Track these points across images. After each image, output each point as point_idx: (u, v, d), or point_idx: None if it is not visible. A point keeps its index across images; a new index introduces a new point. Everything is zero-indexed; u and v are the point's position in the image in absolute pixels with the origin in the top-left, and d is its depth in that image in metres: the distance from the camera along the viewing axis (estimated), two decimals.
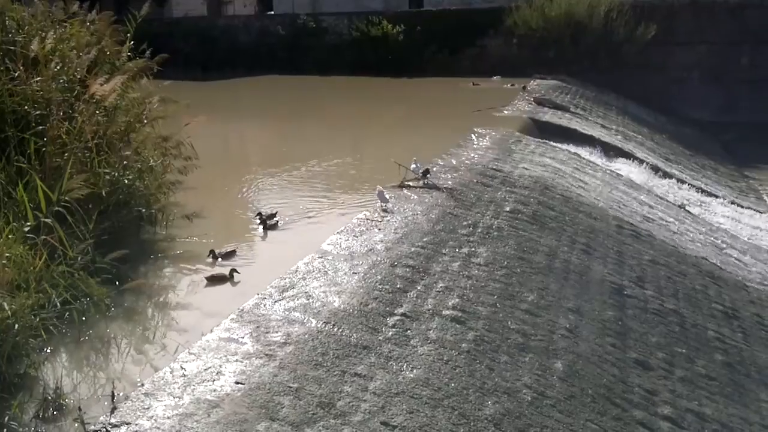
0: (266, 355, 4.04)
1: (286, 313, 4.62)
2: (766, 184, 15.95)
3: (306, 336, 4.31)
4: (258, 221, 6.91)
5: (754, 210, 13.20)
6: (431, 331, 4.74)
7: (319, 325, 4.48)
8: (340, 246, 6.02)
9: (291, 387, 3.74)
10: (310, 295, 4.93)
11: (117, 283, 4.96)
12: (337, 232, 6.38)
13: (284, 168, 9.91)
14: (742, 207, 13.13)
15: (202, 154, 7.33)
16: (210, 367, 3.89)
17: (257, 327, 4.38)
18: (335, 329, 4.47)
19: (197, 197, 7.22)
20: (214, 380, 3.77)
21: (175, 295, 5.28)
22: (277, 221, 6.98)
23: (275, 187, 8.99)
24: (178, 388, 3.70)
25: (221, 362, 3.95)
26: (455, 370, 4.33)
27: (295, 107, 17.32)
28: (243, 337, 4.24)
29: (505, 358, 4.69)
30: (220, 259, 5.90)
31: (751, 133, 19.42)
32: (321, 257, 5.72)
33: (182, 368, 3.88)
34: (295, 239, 6.59)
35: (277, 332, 4.32)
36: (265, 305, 4.71)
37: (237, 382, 3.74)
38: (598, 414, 4.45)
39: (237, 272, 5.49)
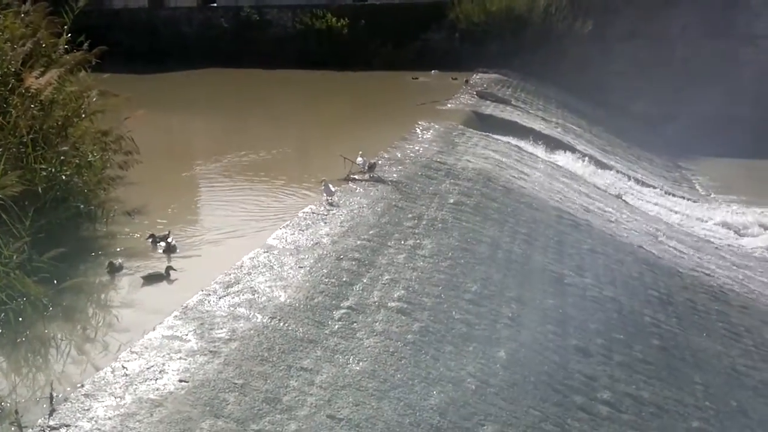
0: (210, 351, 4.00)
1: (231, 309, 4.58)
2: (699, 174, 16.58)
3: (251, 331, 4.29)
4: (150, 241, 6.13)
5: (687, 199, 13.72)
6: (377, 324, 4.77)
7: (264, 321, 4.46)
8: (286, 240, 6.00)
9: (236, 383, 3.73)
10: (255, 290, 4.90)
11: (55, 281, 4.83)
12: (283, 227, 6.35)
13: (228, 162, 9.80)
14: (675, 196, 13.62)
15: (144, 148, 7.19)
16: (153, 366, 3.84)
17: (201, 324, 4.33)
18: (281, 324, 4.46)
19: (139, 193, 7.09)
20: (156, 379, 3.72)
21: (117, 293, 5.19)
22: (171, 243, 6.07)
23: (218, 181, 8.88)
24: (120, 387, 3.64)
25: (164, 360, 3.90)
26: (401, 362, 4.38)
27: (239, 101, 17.12)
28: (186, 335, 4.19)
29: (449, 348, 4.76)
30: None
31: (684, 125, 20.13)
32: (266, 252, 5.69)
33: (124, 367, 3.81)
34: (240, 234, 6.53)
35: (221, 329, 4.28)
36: (209, 301, 4.67)
37: (180, 380, 3.70)
38: (540, 400, 4.56)
39: (173, 269, 5.41)
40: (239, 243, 6.15)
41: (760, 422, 5.62)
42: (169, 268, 5.42)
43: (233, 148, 10.62)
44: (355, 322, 4.73)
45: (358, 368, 4.16)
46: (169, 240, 6.08)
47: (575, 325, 5.89)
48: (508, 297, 5.94)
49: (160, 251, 5.86)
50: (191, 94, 18.42)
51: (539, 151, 12.70)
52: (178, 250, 5.91)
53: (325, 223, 6.52)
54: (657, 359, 5.89)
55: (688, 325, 6.90)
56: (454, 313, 5.28)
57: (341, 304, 4.91)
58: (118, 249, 6.00)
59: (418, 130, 11.52)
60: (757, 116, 21.14)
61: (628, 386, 5.23)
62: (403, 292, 5.33)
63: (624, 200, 11.74)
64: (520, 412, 4.33)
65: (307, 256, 5.63)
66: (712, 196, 14.67)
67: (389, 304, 5.08)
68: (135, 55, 23.04)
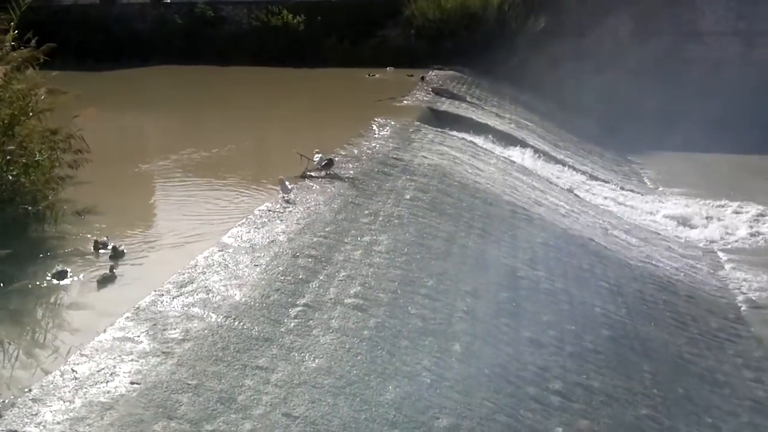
0: (163, 352, 3.97)
1: (185, 308, 4.55)
2: (647, 167, 17.00)
3: (205, 331, 4.27)
4: (94, 248, 5.91)
5: (636, 192, 14.06)
6: (333, 320, 4.79)
7: (219, 320, 4.44)
8: (241, 238, 5.98)
9: (190, 384, 3.70)
10: (209, 290, 4.87)
11: (2, 284, 4.73)
12: (238, 225, 6.32)
13: (182, 160, 9.69)
14: (625, 190, 13.95)
15: (96, 146, 7.06)
16: (103, 368, 3.79)
17: (154, 324, 4.29)
18: (236, 323, 4.44)
19: (90, 192, 6.95)
20: (107, 381, 3.67)
21: (66, 295, 5.09)
22: (118, 248, 5.86)
23: (173, 180, 8.77)
24: (69, 391, 3.59)
25: (115, 363, 3.85)
26: (357, 358, 4.41)
27: (194, 98, 16.90)
28: (138, 336, 4.15)
29: (405, 343, 4.81)
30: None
31: (632, 120, 20.65)
32: (221, 250, 5.65)
33: (73, 371, 3.75)
34: (195, 232, 6.47)
35: (175, 329, 4.25)
36: (162, 302, 4.62)
37: (132, 382, 3.67)
38: (494, 392, 4.64)
39: (115, 269, 5.33)
40: (193, 242, 6.10)
41: (705, 408, 5.82)
42: (112, 267, 5.34)
43: (188, 145, 10.50)
44: (311, 319, 4.74)
45: (314, 365, 4.18)
46: (115, 245, 5.88)
47: (528, 317, 6.01)
48: (463, 291, 6.02)
49: (108, 254, 5.76)
50: (145, 92, 18.12)
51: (493, 146, 12.87)
52: (126, 253, 5.81)
53: (281, 220, 6.51)
54: (607, 349, 6.04)
55: (637, 315, 7.10)
56: (410, 308, 5.33)
57: (297, 302, 4.92)
58: (68, 250, 5.89)
59: (375, 127, 11.55)
60: (702, 111, 21.79)
61: (579, 376, 5.35)
62: (359, 288, 5.36)
63: (575, 194, 11.99)
64: (474, 404, 4.40)
65: (262, 254, 5.62)
66: (660, 189, 15.06)
67: (345, 301, 5.11)
68: (86, 52, 22.51)
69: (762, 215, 12.28)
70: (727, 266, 10.32)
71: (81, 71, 18.32)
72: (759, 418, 6.00)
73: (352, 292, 5.26)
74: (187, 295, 4.76)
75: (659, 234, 11.32)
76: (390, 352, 4.61)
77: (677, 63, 22.54)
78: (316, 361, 4.23)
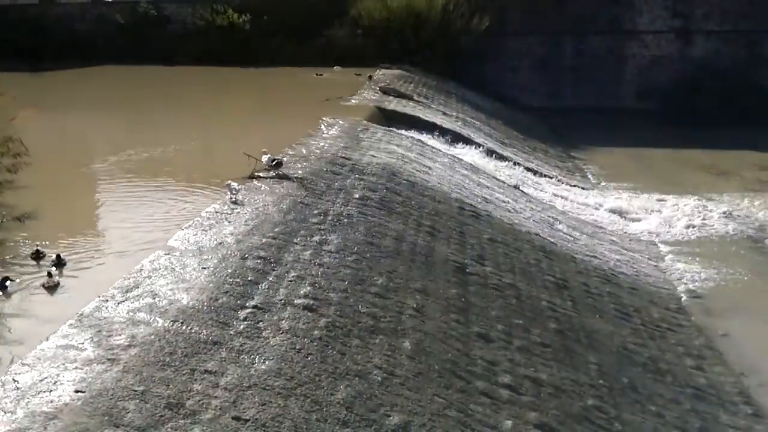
0: (108, 359, 3.89)
1: (131, 314, 4.46)
2: (590, 163, 17.42)
3: (152, 336, 4.20)
4: (35, 255, 5.74)
5: (580, 187, 14.40)
6: (283, 321, 4.77)
7: (166, 324, 4.37)
8: (188, 241, 5.89)
9: (136, 390, 3.64)
10: (156, 294, 4.79)
11: None
12: (185, 227, 6.22)
13: (126, 162, 9.49)
14: (569, 185, 14.26)
15: (36, 149, 6.83)
16: (46, 377, 3.69)
17: (98, 331, 4.20)
18: (184, 327, 4.38)
19: (30, 197, 6.73)
20: (51, 390, 3.58)
21: (7, 303, 4.94)
22: (61, 254, 5.69)
23: (117, 182, 8.58)
24: (11, 401, 3.49)
25: (59, 371, 3.76)
26: (307, 358, 4.40)
27: (137, 98, 16.57)
28: (83, 343, 4.05)
29: (356, 342, 4.82)
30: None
31: (575, 117, 21.18)
32: (168, 254, 5.56)
33: (15, 381, 3.65)
34: (141, 236, 6.34)
35: (120, 335, 4.17)
36: (107, 308, 4.53)
37: (77, 391, 3.58)
38: (444, 388, 4.70)
39: (58, 275, 5.20)
40: (139, 246, 5.97)
41: (649, 397, 6.00)
42: (54, 274, 5.21)
43: (131, 147, 10.29)
44: (261, 321, 4.70)
45: (264, 367, 4.16)
46: (58, 251, 5.72)
47: (477, 312, 6.09)
48: (413, 288, 6.06)
49: (51, 260, 5.60)
50: (86, 93, 17.66)
51: (441, 144, 12.99)
52: (69, 258, 5.66)
53: (229, 222, 6.44)
54: (554, 341, 6.17)
55: (583, 308, 7.27)
56: (360, 306, 5.35)
57: (246, 304, 4.88)
58: (8, 257, 5.71)
59: (323, 127, 11.53)
60: (641, 107, 22.52)
61: (527, 369, 5.46)
62: (309, 288, 5.35)
63: (521, 190, 12.20)
64: (425, 400, 4.45)
65: (210, 256, 5.55)
66: (603, 184, 15.44)
67: (295, 302, 5.09)
68: (26, 53, 21.89)
69: (700, 207, 12.71)
70: (668, 258, 10.66)
71: (20, 72, 17.78)
72: (701, 405, 6.22)
73: (302, 292, 5.25)
74: (132, 300, 4.67)
75: (603, 228, 11.61)
76: (341, 352, 4.61)
77: (617, 61, 23.19)
78: (266, 363, 4.21)
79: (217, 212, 6.69)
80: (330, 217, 7.03)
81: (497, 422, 4.58)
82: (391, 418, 4.12)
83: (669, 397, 6.17)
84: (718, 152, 17.55)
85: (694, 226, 11.95)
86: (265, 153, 8.31)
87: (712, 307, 8.86)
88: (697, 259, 10.55)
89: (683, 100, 21.53)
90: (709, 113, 20.43)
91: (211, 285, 5.02)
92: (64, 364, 3.83)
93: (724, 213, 12.42)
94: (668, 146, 18.33)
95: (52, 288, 5.10)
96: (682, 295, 9.22)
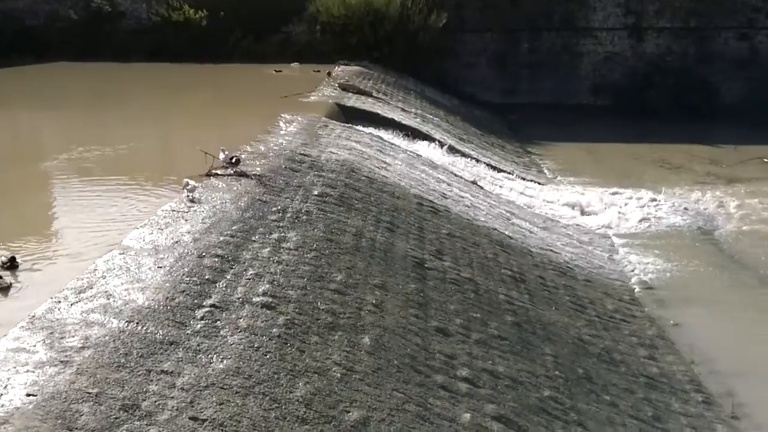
0: (61, 362, 3.82)
1: (84, 315, 4.39)
2: (546, 158, 17.72)
3: (107, 338, 4.14)
4: None
5: (537, 182, 14.63)
6: (242, 320, 4.75)
7: (121, 325, 4.31)
8: (144, 240, 5.81)
9: (90, 393, 3.59)
10: (110, 294, 4.72)
11: None
12: (141, 226, 6.13)
13: (79, 160, 9.31)
14: (526, 180, 14.48)
15: None
16: None
17: (51, 333, 4.12)
18: (139, 327, 4.33)
19: None
20: (1, 395, 3.50)
21: None
22: (12, 255, 5.49)
23: (70, 181, 8.42)
24: None
25: (9, 375, 3.67)
26: (266, 356, 4.39)
27: (92, 95, 16.24)
28: (34, 346, 3.97)
29: (315, 339, 4.83)
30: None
31: (531, 112, 21.52)
32: (122, 253, 5.47)
33: None
34: (95, 235, 6.24)
35: (73, 336, 4.10)
36: (59, 309, 4.44)
37: (28, 394, 3.51)
38: (403, 383, 4.74)
39: (8, 276, 5.08)
40: (93, 245, 5.87)
41: (603, 387, 6.14)
42: (4, 275, 5.08)
43: (85, 144, 10.09)
44: (219, 319, 4.68)
45: (221, 366, 4.14)
46: (8, 251, 5.57)
47: (436, 307, 6.15)
48: (372, 284, 6.09)
49: (0, 261, 5.47)
50: (38, 90, 17.22)
51: (400, 140, 13.06)
52: (21, 259, 5.53)
53: (186, 220, 6.37)
54: (511, 334, 6.27)
55: (539, 301, 7.40)
56: (319, 303, 5.36)
57: (204, 303, 4.84)
58: None
59: (282, 123, 11.48)
60: (596, 103, 22.98)
61: (485, 362, 5.54)
62: (268, 286, 5.33)
63: (479, 185, 12.34)
64: (384, 395, 4.48)
65: (166, 255, 5.49)
66: (558, 178, 15.71)
67: (254, 300, 5.06)
68: None
69: (652, 201, 13.04)
70: (622, 250, 10.91)
71: None
72: (653, 394, 6.40)
73: (260, 290, 5.23)
74: (86, 301, 4.59)
75: (558, 221, 11.82)
76: (300, 349, 4.62)
77: (571, 57, 23.59)
78: (224, 362, 4.19)
79: (173, 210, 6.61)
80: (289, 215, 7.01)
81: (455, 415, 4.64)
82: (351, 414, 4.14)
83: (623, 387, 6.33)
84: (670, 146, 18.03)
85: (646, 219, 12.25)
86: (223, 150, 8.24)
87: (664, 298, 9.11)
88: (650, 251, 10.82)
89: (636, 95, 22.05)
90: (661, 108, 20.97)
91: (167, 284, 4.96)
92: (15, 367, 3.75)
93: (676, 206, 12.76)
94: (622, 141, 18.77)
95: (4, 290, 4.98)
96: (635, 286, 9.45)
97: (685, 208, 12.80)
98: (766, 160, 16.76)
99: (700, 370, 7.21)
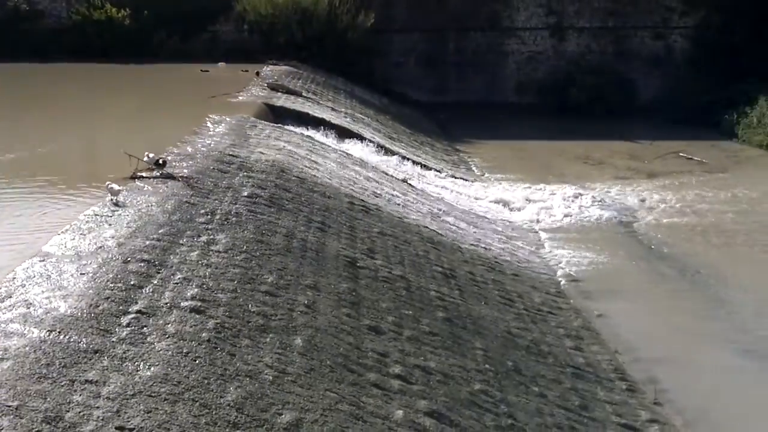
0: None
1: (2, 325, 4.22)
2: (474, 156, 18.07)
3: (27, 348, 3.99)
4: None
5: (466, 180, 14.90)
6: (169, 325, 4.66)
7: (42, 335, 4.17)
8: (66, 246, 5.63)
9: (10, 406, 3.45)
10: (30, 303, 4.56)
11: None
12: (62, 232, 5.94)
13: None
14: (455, 178, 14.73)
15: None
16: None
17: None
18: (61, 336, 4.19)
19: None
20: None
21: None
22: None
23: None
24: None
25: None
26: (195, 362, 4.32)
27: (9, 97, 15.56)
28: None
29: (246, 342, 4.79)
30: None
31: (458, 111, 21.90)
32: (43, 260, 5.29)
33: None
34: (12, 243, 6.00)
35: None
36: None
37: None
38: (336, 382, 4.75)
39: None
40: (11, 253, 5.65)
41: (532, 378, 6.30)
42: None
43: (3, 149, 9.68)
44: (146, 326, 4.58)
45: (149, 374, 4.05)
46: None
47: (368, 305, 6.19)
48: (304, 285, 6.08)
49: None
50: None
51: (330, 140, 13.06)
52: None
53: (110, 225, 6.20)
54: (442, 330, 6.37)
55: (469, 296, 7.53)
56: (250, 306, 5.31)
57: (129, 309, 4.73)
58: None
59: (210, 124, 11.30)
60: (521, 102, 23.56)
61: (417, 358, 5.61)
62: (197, 290, 5.25)
63: (410, 184, 12.47)
64: (317, 396, 4.48)
65: (90, 261, 5.33)
66: (486, 175, 16.03)
67: (182, 304, 4.98)
68: None
69: (576, 196, 13.46)
70: (548, 244, 11.23)
71: None
72: (580, 383, 6.60)
73: (189, 294, 5.14)
74: (4, 310, 4.42)
75: (487, 218, 12.07)
76: (230, 353, 4.57)
77: (496, 57, 24.08)
78: (152, 369, 4.10)
79: (96, 215, 6.42)
80: (218, 217, 6.91)
81: (389, 413, 4.68)
82: (283, 416, 4.13)
83: (551, 378, 6.50)
84: (592, 143, 18.66)
85: (570, 214, 12.65)
86: (148, 152, 8.06)
87: (589, 290, 9.42)
88: (575, 244, 11.18)
89: (558, 94, 22.70)
90: (582, 106, 21.69)
91: (90, 291, 4.82)
92: None
93: (598, 200, 13.21)
94: (546, 138, 19.32)
95: None
96: (561, 279, 9.75)
97: (607, 202, 13.28)
98: (681, 154, 17.57)
99: (624, 358, 7.48)
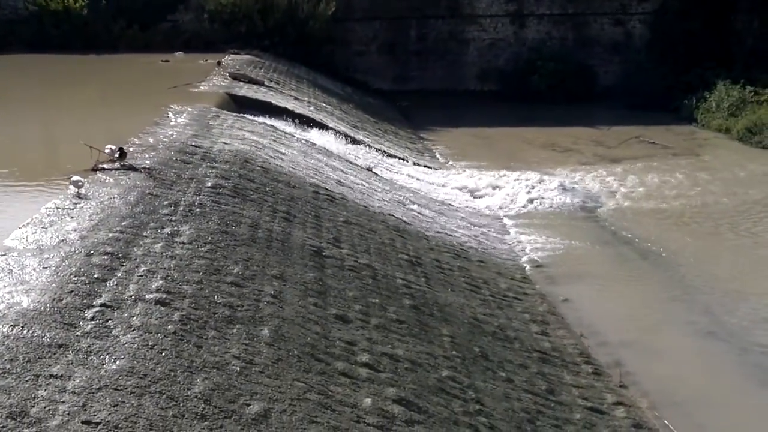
0: None
1: None
2: (438, 144, 18.16)
3: None
4: None
5: (430, 167, 14.98)
6: (134, 318, 4.62)
7: (4, 330, 4.11)
8: (27, 240, 5.53)
9: None
10: None
11: None
12: (22, 226, 5.83)
13: None
14: (420, 165, 14.80)
15: None
16: None
17: None
18: (24, 331, 4.13)
19: None
20: None
21: None
22: None
23: None
24: None
25: None
26: (161, 354, 4.30)
27: None
28: None
29: (212, 333, 4.77)
30: None
31: (422, 99, 21.97)
32: (3, 255, 5.20)
33: None
34: None
35: None
36: None
37: None
38: (304, 372, 4.76)
39: None
40: None
41: (499, 364, 6.39)
42: None
43: None
44: (110, 319, 4.53)
45: (114, 367, 4.02)
46: None
47: (335, 294, 6.20)
48: (270, 275, 6.07)
49: None
50: None
51: (294, 129, 12.99)
52: None
53: (72, 218, 6.10)
54: (409, 317, 6.42)
55: (435, 283, 7.60)
56: (216, 297, 5.28)
57: (94, 302, 4.67)
58: None
59: (171, 114, 11.15)
60: (483, 89, 23.72)
61: (385, 346, 5.64)
62: (161, 282, 5.20)
63: (374, 172, 12.49)
64: (285, 386, 4.49)
65: (52, 255, 5.25)
66: (450, 163, 16.12)
67: (147, 297, 4.93)
68: None
69: (540, 182, 13.62)
70: (512, 231, 11.36)
71: None
72: (546, 368, 6.71)
73: (153, 286, 5.10)
74: None
75: (452, 205, 12.16)
76: (197, 345, 4.55)
77: (458, 44, 24.15)
78: (117, 362, 4.07)
79: (58, 208, 6.31)
80: (181, 208, 6.85)
81: (357, 401, 4.71)
82: (251, 407, 4.13)
83: (518, 363, 6.60)
84: (555, 129, 18.89)
85: (535, 200, 12.80)
86: (109, 144, 7.93)
87: (554, 275, 9.57)
88: (539, 230, 11.33)
89: (520, 81, 22.89)
90: (543, 93, 21.91)
91: (53, 285, 4.76)
92: None
93: (561, 186, 13.39)
94: (509, 125, 19.48)
95: None
96: (526, 265, 9.88)
97: (570, 188, 13.46)
98: (644, 139, 17.87)
99: (589, 342, 7.62)
